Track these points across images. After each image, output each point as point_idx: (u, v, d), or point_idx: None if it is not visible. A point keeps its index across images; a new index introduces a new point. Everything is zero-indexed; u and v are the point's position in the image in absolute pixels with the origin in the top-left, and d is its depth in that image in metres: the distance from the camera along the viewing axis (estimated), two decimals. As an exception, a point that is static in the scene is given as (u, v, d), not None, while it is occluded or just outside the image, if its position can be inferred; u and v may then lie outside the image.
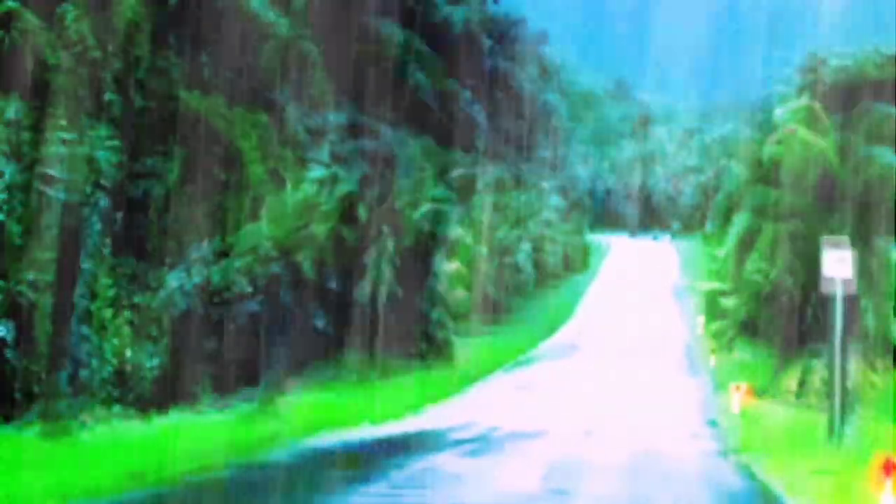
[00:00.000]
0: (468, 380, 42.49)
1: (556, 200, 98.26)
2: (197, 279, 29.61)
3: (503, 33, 75.30)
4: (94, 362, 24.57)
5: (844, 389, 24.55)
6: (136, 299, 27.83)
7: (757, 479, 20.46)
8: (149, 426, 24.12)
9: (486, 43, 71.04)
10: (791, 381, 37.46)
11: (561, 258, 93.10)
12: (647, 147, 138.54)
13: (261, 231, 29.10)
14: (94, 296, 24.60)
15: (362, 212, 41.06)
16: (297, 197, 29.12)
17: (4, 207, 22.97)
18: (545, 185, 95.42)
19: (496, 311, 69.80)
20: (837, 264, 24.21)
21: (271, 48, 29.73)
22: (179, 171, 27.87)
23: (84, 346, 23.55)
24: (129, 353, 26.80)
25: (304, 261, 30.49)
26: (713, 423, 31.01)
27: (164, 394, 27.24)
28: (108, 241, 25.48)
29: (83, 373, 23.60)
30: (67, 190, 22.19)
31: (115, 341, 26.25)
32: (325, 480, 19.55)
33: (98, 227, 23.87)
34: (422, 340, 46.08)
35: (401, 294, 43.87)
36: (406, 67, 48.33)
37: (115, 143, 23.28)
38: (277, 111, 30.60)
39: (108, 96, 23.36)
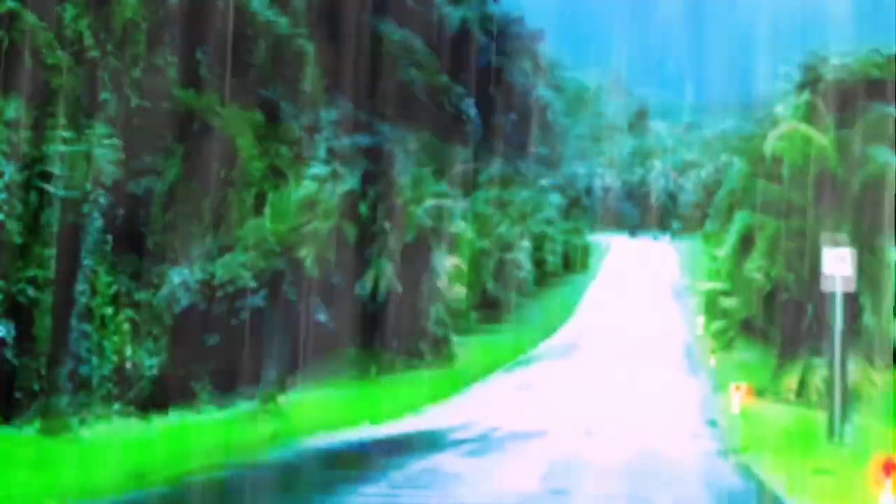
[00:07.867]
0: (468, 379, 42.46)
1: (556, 199, 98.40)
2: (199, 274, 29.58)
3: (501, 30, 75.35)
4: (94, 359, 24.57)
5: (844, 389, 24.54)
6: (137, 296, 27.82)
7: (757, 478, 20.45)
8: (149, 425, 24.11)
9: (483, 40, 71.14)
10: (791, 381, 37.42)
11: (561, 258, 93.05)
12: (645, 142, 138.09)
13: (263, 227, 29.11)
14: (94, 292, 24.58)
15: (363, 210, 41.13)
16: (298, 194, 29.11)
17: (4, 207, 22.96)
18: (544, 182, 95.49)
19: (496, 311, 69.91)
20: (837, 264, 24.21)
21: (297, 60, 29.69)
22: (180, 167, 27.86)
23: (84, 343, 23.55)
24: (129, 350, 26.79)
25: (307, 258, 30.53)
26: (713, 423, 30.99)
27: (164, 392, 27.24)
28: (108, 237, 25.46)
29: (83, 369, 23.60)
30: (67, 187, 22.20)
31: (116, 338, 26.23)
32: (325, 480, 19.55)
33: (98, 223, 23.83)
34: (422, 340, 46.19)
35: (402, 298, 44.02)
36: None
37: (114, 141, 23.29)
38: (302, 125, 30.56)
39: (104, 96, 23.35)
